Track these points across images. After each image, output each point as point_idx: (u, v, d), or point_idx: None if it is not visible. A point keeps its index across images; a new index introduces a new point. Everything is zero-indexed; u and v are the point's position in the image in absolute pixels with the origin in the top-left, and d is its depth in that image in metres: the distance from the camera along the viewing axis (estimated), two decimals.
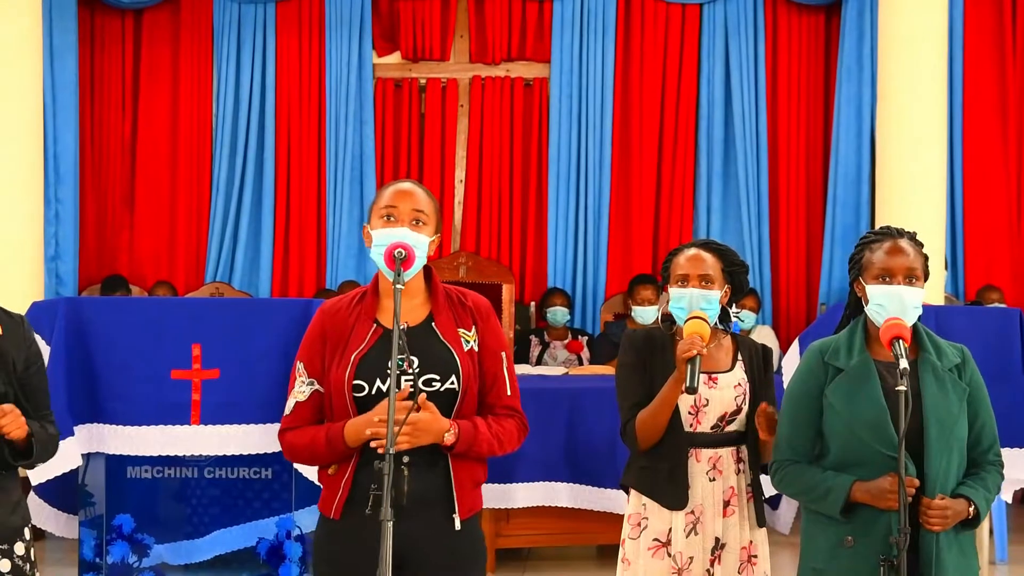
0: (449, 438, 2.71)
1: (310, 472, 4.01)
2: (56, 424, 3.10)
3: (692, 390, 3.17)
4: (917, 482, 2.82)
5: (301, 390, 2.84)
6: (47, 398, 3.09)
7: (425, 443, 2.69)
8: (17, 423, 2.84)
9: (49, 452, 3.04)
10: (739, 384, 3.39)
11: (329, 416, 2.83)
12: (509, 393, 2.88)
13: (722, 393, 3.37)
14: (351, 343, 2.79)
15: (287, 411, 2.86)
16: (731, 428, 3.39)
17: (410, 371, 2.69)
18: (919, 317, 2.98)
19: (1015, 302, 8.01)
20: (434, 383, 2.76)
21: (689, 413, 3.35)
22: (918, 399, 2.82)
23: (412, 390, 2.67)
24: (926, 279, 3.01)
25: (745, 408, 3.39)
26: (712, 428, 3.38)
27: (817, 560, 3.00)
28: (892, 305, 2.94)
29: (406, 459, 2.68)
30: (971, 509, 2.87)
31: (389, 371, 2.61)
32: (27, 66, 6.96)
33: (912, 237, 3.04)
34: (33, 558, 3.05)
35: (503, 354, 2.89)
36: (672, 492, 3.34)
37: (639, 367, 3.41)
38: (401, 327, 2.63)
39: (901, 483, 2.78)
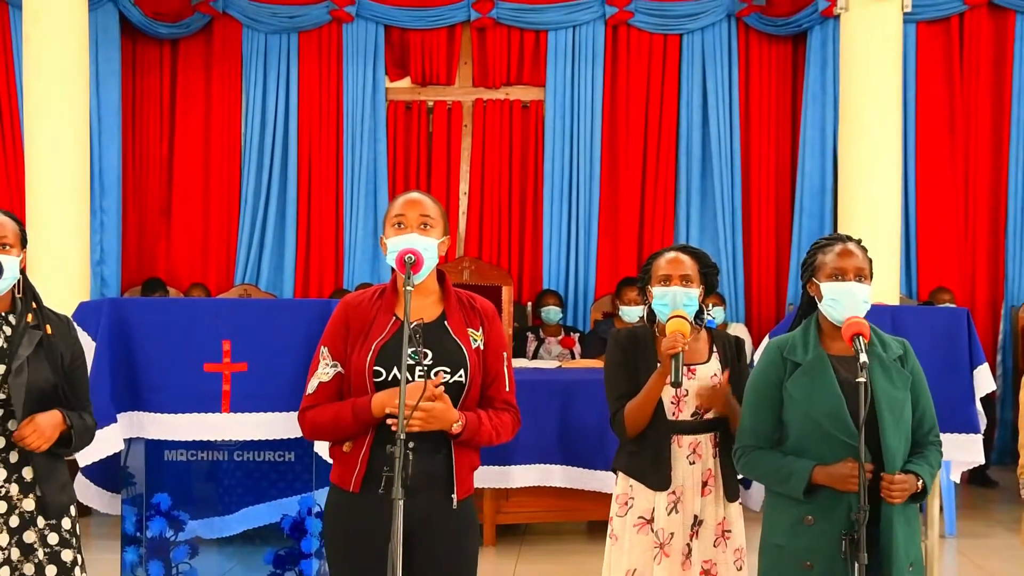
0: (457, 428, 2.72)
1: (325, 452, 4.01)
2: (93, 415, 3.12)
3: (677, 384, 3.18)
4: (872, 466, 2.82)
5: (325, 371, 2.83)
6: (87, 391, 3.12)
7: (435, 428, 2.69)
8: (42, 438, 2.88)
9: (86, 440, 3.06)
10: (715, 374, 3.39)
11: (348, 397, 2.82)
12: (508, 389, 2.90)
13: (701, 383, 3.37)
14: (372, 332, 2.79)
15: (309, 391, 2.84)
16: (709, 416, 3.39)
17: (424, 363, 2.71)
18: (866, 314, 2.98)
19: (963, 302, 8.03)
20: (444, 375, 2.76)
21: (671, 403, 3.36)
22: (869, 388, 2.82)
23: (441, 382, 2.71)
24: (871, 281, 3.03)
25: None
26: (692, 416, 3.38)
27: (778, 537, 3.00)
28: (845, 299, 2.95)
29: (411, 444, 2.68)
30: (919, 484, 2.88)
31: (411, 361, 2.62)
32: (76, 91, 6.97)
33: (859, 243, 3.05)
34: (78, 532, 3.07)
35: (504, 354, 2.91)
36: (656, 474, 3.34)
37: (625, 363, 3.41)
38: (416, 323, 2.64)
39: (861, 467, 2.78)
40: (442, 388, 2.70)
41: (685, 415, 3.37)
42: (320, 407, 2.82)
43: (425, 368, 2.71)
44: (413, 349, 2.63)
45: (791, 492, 2.93)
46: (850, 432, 2.85)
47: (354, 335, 2.81)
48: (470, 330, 2.84)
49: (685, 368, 3.30)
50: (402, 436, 2.54)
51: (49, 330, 2.98)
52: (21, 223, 3.06)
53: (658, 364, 3.33)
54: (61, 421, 2.93)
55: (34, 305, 3.01)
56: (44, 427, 2.87)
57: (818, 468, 2.88)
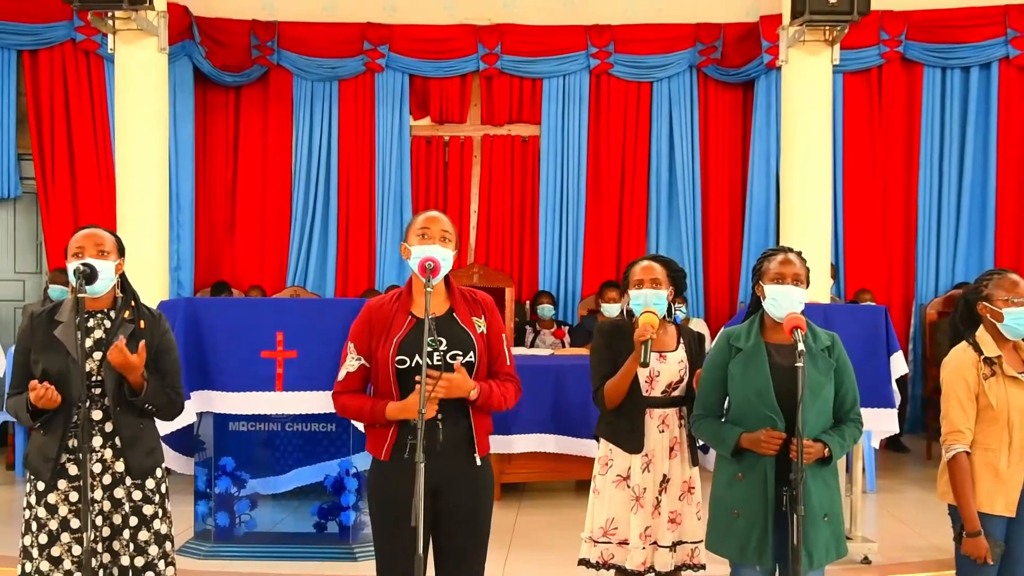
0: (474, 394, 2.74)
1: (360, 425, 4.02)
2: (181, 395, 3.08)
3: (645, 364, 3.19)
4: (783, 435, 2.83)
5: (351, 364, 2.84)
6: (176, 377, 3.06)
7: (456, 396, 2.70)
8: (121, 355, 2.81)
9: (163, 405, 3.00)
10: (682, 361, 3.41)
11: (375, 383, 2.82)
12: (508, 363, 2.92)
13: (669, 367, 3.38)
14: (393, 329, 2.79)
15: (340, 378, 2.87)
16: (676, 394, 3.40)
17: (440, 349, 2.71)
18: (803, 311, 2.98)
19: (881, 300, 8.06)
20: (456, 357, 2.77)
21: (645, 382, 3.36)
22: (795, 371, 2.81)
23: (449, 362, 2.73)
24: (808, 285, 3.03)
25: (686, 378, 3.40)
26: (662, 393, 3.38)
27: (720, 490, 3.03)
28: (782, 300, 2.96)
29: (440, 415, 2.70)
30: (825, 450, 2.88)
31: (429, 347, 2.64)
32: (157, 129, 6.98)
33: (799, 254, 3.05)
34: (164, 491, 3.06)
35: (503, 335, 2.92)
36: (631, 440, 3.35)
37: (608, 349, 3.42)
38: (430, 317, 2.65)
39: (800, 437, 2.76)
40: (459, 361, 2.73)
41: (656, 392, 3.38)
42: (348, 395, 2.84)
43: (441, 353, 2.72)
44: (431, 339, 2.65)
45: (724, 452, 2.97)
46: (772, 407, 2.87)
47: (377, 333, 2.81)
48: (474, 318, 2.85)
49: (658, 354, 3.34)
50: (423, 410, 2.55)
51: (143, 324, 2.99)
52: (118, 237, 3.09)
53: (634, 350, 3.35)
54: (141, 361, 2.86)
55: (133, 304, 3.02)
56: (128, 352, 2.83)
57: (744, 435, 2.91)
